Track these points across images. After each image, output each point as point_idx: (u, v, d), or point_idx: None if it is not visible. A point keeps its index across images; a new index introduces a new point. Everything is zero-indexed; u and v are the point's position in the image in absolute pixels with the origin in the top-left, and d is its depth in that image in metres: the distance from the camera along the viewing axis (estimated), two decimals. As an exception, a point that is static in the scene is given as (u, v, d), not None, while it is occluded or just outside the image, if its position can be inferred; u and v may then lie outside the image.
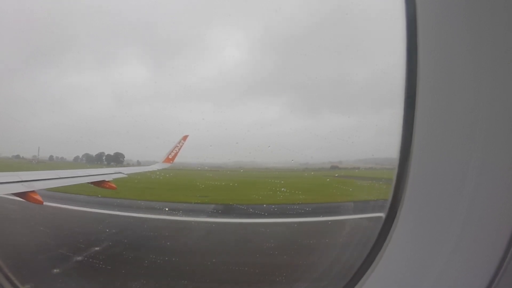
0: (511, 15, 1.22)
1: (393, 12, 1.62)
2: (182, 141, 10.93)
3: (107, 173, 7.46)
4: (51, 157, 15.50)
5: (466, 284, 1.35)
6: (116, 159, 15.70)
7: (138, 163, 13.78)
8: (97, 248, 6.14)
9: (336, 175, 12.38)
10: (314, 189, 11.53)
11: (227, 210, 9.95)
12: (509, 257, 1.25)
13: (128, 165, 14.07)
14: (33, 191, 4.74)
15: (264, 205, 9.44)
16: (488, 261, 1.29)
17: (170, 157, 10.85)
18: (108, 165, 14.99)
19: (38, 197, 4.72)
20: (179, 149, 10.92)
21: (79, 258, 5.55)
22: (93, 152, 15.87)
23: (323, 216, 8.90)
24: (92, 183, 6.70)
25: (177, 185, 13.13)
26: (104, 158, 15.92)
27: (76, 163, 15.27)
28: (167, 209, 9.65)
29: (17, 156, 15.10)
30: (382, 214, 1.71)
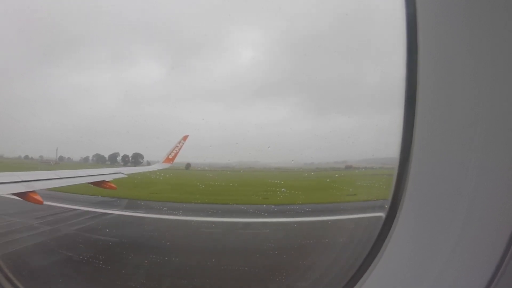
0: (511, 15, 1.23)
1: (393, 12, 1.62)
2: (182, 141, 10.92)
3: (107, 173, 7.46)
4: (61, 157, 15.28)
5: (466, 284, 1.35)
6: (135, 160, 15.10)
7: (148, 163, 13.63)
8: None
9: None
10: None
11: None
12: (508, 257, 1.25)
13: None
14: (33, 191, 4.75)
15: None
16: (487, 261, 1.29)
17: (170, 157, 10.85)
18: (125, 166, 14.63)
19: (38, 197, 4.73)
20: (179, 149, 10.91)
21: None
22: (106, 153, 15.33)
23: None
24: (92, 183, 6.71)
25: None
26: (118, 158, 15.05)
27: (95, 163, 14.81)
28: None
29: (26, 157, 14.91)
30: (382, 214, 1.71)
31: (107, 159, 15.18)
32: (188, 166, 14.25)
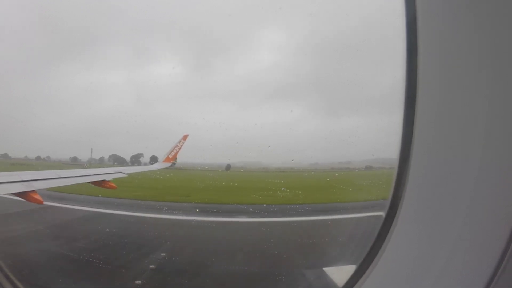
0: (511, 15, 1.23)
1: (392, 12, 1.62)
2: (182, 140, 10.92)
3: (107, 173, 7.45)
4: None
5: (466, 284, 1.35)
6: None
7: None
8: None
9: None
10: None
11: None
12: (508, 257, 1.26)
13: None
14: (33, 191, 4.73)
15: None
16: (487, 261, 1.30)
17: (170, 156, 10.85)
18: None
19: (38, 197, 4.71)
20: (179, 149, 10.92)
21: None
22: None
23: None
24: (92, 182, 6.69)
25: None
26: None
27: (120, 165, 14.24)
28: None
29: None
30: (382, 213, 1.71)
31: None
32: (228, 167, 13.92)
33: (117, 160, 14.79)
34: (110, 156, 14.91)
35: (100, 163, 14.72)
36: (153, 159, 14.59)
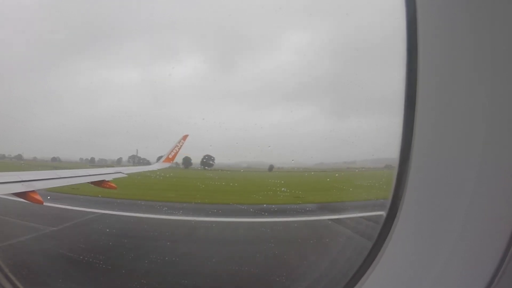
0: (511, 15, 1.23)
1: (393, 12, 1.62)
2: (182, 140, 10.91)
3: (107, 173, 7.45)
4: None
5: (466, 284, 1.35)
6: (206, 163, 14.54)
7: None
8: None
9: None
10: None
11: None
12: (508, 257, 1.25)
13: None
14: (33, 191, 4.73)
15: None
16: (488, 261, 1.30)
17: (170, 156, 10.85)
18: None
19: (38, 197, 4.71)
20: (179, 149, 10.91)
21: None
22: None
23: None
24: (92, 183, 6.69)
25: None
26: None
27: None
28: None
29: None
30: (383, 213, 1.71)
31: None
32: (271, 168, 14.10)
33: (137, 161, 14.69)
34: (129, 157, 14.87)
35: (135, 163, 14.62)
36: (186, 160, 14.70)
